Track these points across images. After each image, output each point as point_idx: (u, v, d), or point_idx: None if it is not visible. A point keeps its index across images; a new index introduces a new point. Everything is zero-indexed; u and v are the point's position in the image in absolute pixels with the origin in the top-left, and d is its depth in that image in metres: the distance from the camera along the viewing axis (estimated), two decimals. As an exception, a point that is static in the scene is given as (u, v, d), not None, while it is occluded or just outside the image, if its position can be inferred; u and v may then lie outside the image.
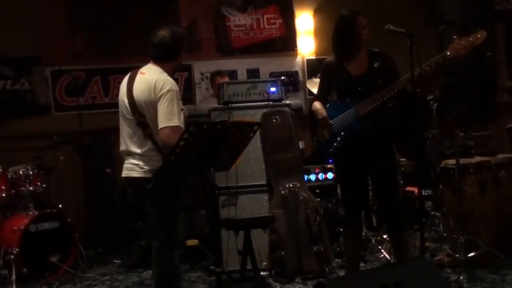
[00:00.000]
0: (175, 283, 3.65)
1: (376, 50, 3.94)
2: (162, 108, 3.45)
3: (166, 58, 3.64)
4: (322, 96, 4.10)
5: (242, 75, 7.21)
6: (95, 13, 6.90)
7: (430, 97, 4.98)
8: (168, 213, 3.58)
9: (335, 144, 3.94)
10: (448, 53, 3.63)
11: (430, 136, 5.19)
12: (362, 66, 3.91)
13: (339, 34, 3.90)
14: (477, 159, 4.90)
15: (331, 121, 3.94)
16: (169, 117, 3.42)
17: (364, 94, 3.83)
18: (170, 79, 3.54)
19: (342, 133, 3.91)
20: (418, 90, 3.72)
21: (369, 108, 3.80)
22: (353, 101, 3.87)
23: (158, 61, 3.64)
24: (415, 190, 5.40)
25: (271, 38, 7.36)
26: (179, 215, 3.67)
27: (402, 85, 3.71)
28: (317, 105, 4.03)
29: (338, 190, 5.63)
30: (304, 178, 5.26)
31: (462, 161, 4.73)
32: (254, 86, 5.22)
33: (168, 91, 3.46)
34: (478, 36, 3.59)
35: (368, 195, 4.69)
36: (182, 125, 3.50)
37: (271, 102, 5.24)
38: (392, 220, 4.01)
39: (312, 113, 4.07)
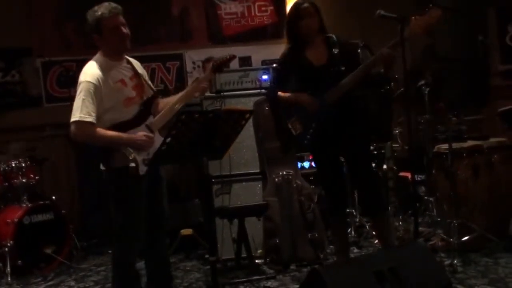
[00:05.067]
0: None
1: (331, 35, 3.92)
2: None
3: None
4: (279, 87, 4.03)
5: (234, 63, 7.10)
6: (85, 3, 6.81)
7: (422, 82, 4.98)
8: None
9: (308, 136, 3.90)
10: (406, 34, 3.61)
11: (422, 121, 5.20)
12: (322, 54, 3.90)
13: (287, 23, 3.95)
14: (470, 143, 4.90)
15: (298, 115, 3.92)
16: (73, 112, 3.32)
17: (329, 83, 3.81)
18: (87, 70, 3.42)
19: (313, 124, 3.88)
20: (384, 71, 3.78)
21: (337, 96, 3.79)
22: (320, 91, 3.84)
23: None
24: (408, 175, 5.42)
25: (262, 25, 7.33)
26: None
27: (367, 70, 3.72)
28: (293, 95, 3.95)
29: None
30: (297, 166, 5.26)
31: (455, 145, 4.74)
32: (246, 74, 5.21)
33: (79, 83, 3.39)
34: (433, 15, 3.57)
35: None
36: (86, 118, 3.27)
37: (263, 90, 5.22)
38: (371, 201, 3.96)
39: (280, 104, 4.00)
